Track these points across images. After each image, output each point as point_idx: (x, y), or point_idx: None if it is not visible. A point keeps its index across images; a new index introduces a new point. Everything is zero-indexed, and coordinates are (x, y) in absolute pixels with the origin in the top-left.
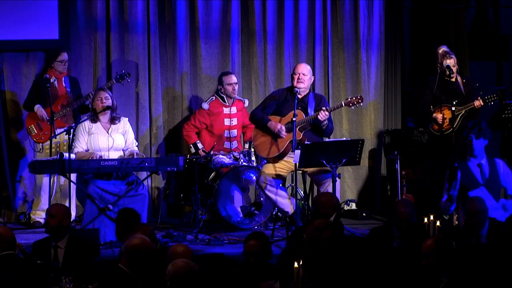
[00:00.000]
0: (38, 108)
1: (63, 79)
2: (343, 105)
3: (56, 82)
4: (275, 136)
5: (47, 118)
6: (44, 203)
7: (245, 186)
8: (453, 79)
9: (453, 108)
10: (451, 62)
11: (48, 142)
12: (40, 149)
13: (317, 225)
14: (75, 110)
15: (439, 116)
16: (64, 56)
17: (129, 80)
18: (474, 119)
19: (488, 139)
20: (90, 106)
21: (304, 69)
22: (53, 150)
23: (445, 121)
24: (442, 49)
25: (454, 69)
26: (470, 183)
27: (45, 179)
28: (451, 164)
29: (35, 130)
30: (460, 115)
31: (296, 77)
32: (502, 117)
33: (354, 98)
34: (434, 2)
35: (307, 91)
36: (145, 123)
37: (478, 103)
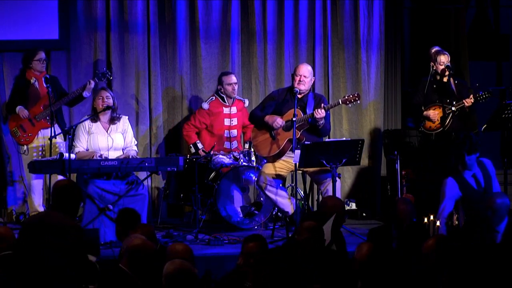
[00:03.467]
0: (20, 110)
1: (43, 79)
2: (340, 103)
3: (36, 83)
4: (273, 134)
5: (29, 118)
6: (38, 204)
7: (245, 186)
8: (445, 79)
9: (453, 108)
10: (445, 58)
11: (34, 143)
12: (25, 151)
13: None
14: (58, 109)
15: (431, 112)
16: (42, 54)
17: (110, 77)
18: (469, 117)
19: (479, 151)
20: (84, 94)
21: (306, 71)
22: (43, 152)
23: (436, 119)
24: (435, 49)
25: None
26: (471, 194)
27: (34, 181)
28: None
29: (19, 132)
30: (452, 113)
31: (297, 78)
32: (502, 117)
33: (351, 96)
34: (434, 2)
35: (307, 91)
36: (145, 123)
37: (469, 101)
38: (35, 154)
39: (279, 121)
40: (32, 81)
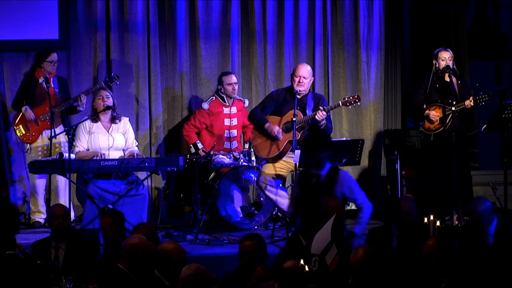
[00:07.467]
0: (25, 110)
1: (51, 79)
2: (341, 104)
3: (44, 83)
4: (273, 137)
5: (34, 119)
6: (40, 204)
7: (245, 186)
8: (447, 79)
9: (453, 109)
10: (446, 53)
11: (37, 142)
12: (28, 149)
13: None
14: (63, 111)
15: (432, 113)
16: (54, 56)
17: (117, 82)
18: (469, 117)
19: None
20: (78, 108)
21: (305, 72)
22: (45, 152)
23: (435, 120)
24: (438, 49)
25: (450, 63)
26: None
27: (37, 180)
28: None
29: (23, 131)
30: (452, 114)
31: (296, 79)
32: (502, 117)
33: (351, 98)
34: (434, 2)
35: (307, 91)
36: (145, 123)
37: (468, 103)
38: (40, 154)
39: (275, 131)
40: (40, 80)
